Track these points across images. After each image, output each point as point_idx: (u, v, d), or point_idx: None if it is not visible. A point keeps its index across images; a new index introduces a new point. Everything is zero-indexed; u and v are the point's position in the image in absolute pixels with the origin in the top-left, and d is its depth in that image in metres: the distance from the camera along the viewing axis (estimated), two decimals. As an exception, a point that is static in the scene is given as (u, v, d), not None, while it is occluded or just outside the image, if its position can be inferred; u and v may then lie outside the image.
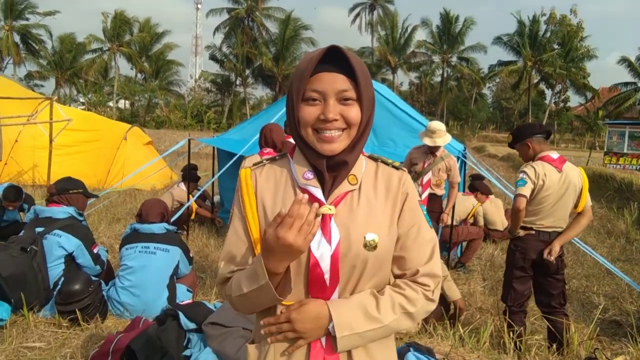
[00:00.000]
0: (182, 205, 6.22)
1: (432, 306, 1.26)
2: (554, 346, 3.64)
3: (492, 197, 7.35)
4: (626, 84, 41.59)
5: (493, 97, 63.71)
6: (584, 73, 42.82)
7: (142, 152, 10.86)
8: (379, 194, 1.27)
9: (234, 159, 5.82)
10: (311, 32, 44.86)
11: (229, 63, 44.37)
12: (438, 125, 5.11)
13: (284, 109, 5.00)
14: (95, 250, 3.65)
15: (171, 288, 3.70)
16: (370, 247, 1.20)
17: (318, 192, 1.22)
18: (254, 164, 1.35)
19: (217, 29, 44.99)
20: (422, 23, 46.50)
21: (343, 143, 1.20)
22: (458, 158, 6.01)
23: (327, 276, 1.18)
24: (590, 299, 5.30)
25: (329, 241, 1.18)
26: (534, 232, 3.63)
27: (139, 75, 48.23)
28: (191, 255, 3.99)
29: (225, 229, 7.05)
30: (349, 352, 1.21)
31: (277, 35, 44.02)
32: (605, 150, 19.12)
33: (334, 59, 1.18)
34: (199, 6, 74.93)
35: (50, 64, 43.82)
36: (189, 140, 6.73)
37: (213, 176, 7.82)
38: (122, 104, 47.96)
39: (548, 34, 43.19)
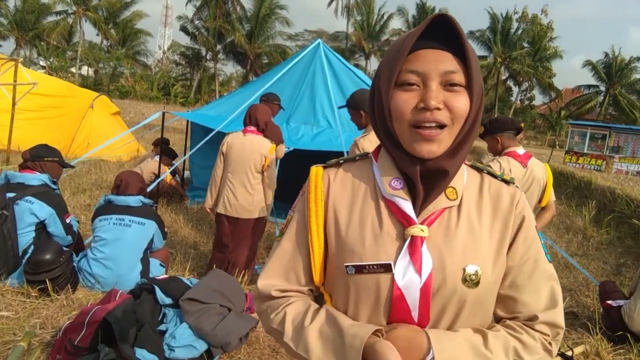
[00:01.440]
0: (157, 177, 6.09)
1: None
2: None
3: None
4: (589, 86, 43.12)
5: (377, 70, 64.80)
6: (550, 73, 44.03)
7: (109, 122, 10.54)
8: (485, 214, 1.00)
9: (211, 134, 5.72)
10: (286, 12, 44.22)
11: (201, 36, 43.30)
12: None
13: (263, 87, 4.99)
14: (67, 220, 3.54)
15: (144, 262, 3.64)
16: (471, 282, 0.94)
17: (407, 206, 0.97)
18: (328, 164, 1.10)
19: (189, 0, 43.74)
20: (398, 11, 46.58)
21: (444, 143, 0.94)
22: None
23: (414, 313, 0.94)
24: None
25: (419, 271, 0.93)
26: None
27: (104, 42, 46.50)
28: (166, 230, 3.92)
29: (193, 207, 6.96)
30: None
31: (252, 12, 43.19)
32: (566, 149, 19.81)
33: (440, 33, 0.93)
34: (171, -25, 72.63)
35: (10, 23, 41.65)
36: (163, 114, 6.56)
37: (185, 151, 7.68)
38: (85, 70, 46.18)
39: (519, 32, 44.06)
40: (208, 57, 46.25)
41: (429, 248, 0.95)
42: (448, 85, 0.93)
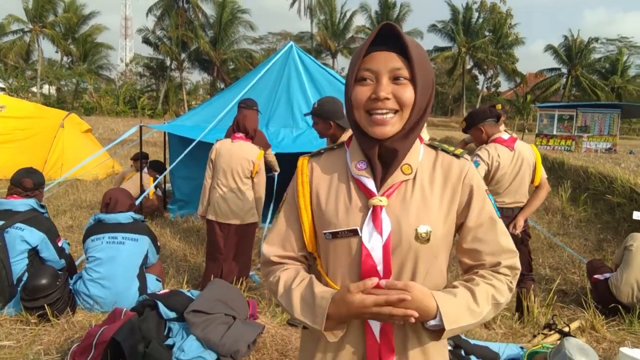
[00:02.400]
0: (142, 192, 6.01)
1: (511, 295, 1.23)
2: (517, 315, 3.89)
3: None
4: (551, 69, 44.24)
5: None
6: (513, 59, 45.01)
7: (81, 140, 10.34)
8: (436, 184, 1.21)
9: (192, 144, 5.68)
10: (249, 15, 44.00)
11: (164, 46, 42.68)
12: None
13: (240, 93, 4.96)
14: (59, 244, 3.46)
15: (141, 278, 3.59)
16: (423, 239, 1.15)
17: (370, 183, 1.19)
18: (312, 154, 1.33)
19: (149, 10, 43.05)
20: (360, 8, 46.90)
21: (395, 126, 1.15)
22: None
23: (379, 267, 1.15)
24: (537, 270, 5.65)
25: (380, 233, 1.15)
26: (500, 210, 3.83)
27: (65, 58, 45.43)
28: (159, 244, 3.88)
29: (178, 220, 6.90)
30: (405, 351, 1.18)
31: (214, 18, 42.83)
32: (536, 132, 20.28)
33: (389, 39, 1.14)
34: (128, -14, 71.42)
35: (-36, 45, 40.39)
36: (141, 127, 6.47)
37: (165, 163, 7.59)
38: (47, 89, 45.04)
39: (480, 21, 44.93)
40: (173, 66, 45.66)
41: (388, 214, 1.16)
42: (395, 79, 1.14)
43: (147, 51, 46.80)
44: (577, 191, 9.36)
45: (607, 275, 4.40)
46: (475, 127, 3.94)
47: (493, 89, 51.54)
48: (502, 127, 6.13)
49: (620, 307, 4.03)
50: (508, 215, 3.83)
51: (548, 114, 19.60)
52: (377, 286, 1.10)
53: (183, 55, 44.18)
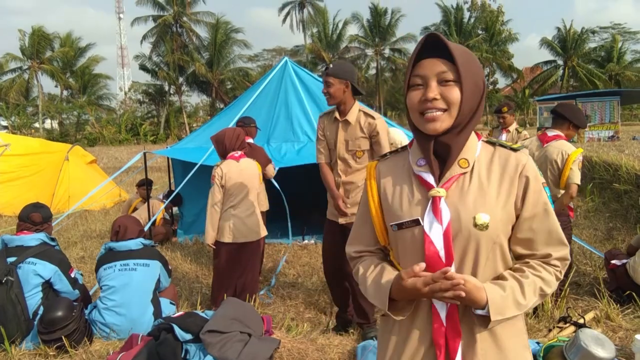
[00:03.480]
0: (162, 219, 6.07)
1: (556, 286, 1.32)
2: (531, 310, 3.89)
3: None
4: (546, 62, 44.25)
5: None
6: (508, 55, 45.06)
7: (86, 171, 10.45)
8: (493, 175, 1.30)
9: (195, 168, 5.74)
10: (243, 34, 44.43)
11: (161, 72, 43.08)
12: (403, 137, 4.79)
13: (239, 112, 5.05)
14: (72, 275, 3.51)
15: (155, 303, 3.63)
16: (482, 227, 1.24)
17: (429, 177, 1.31)
18: (379, 158, 1.50)
19: (144, 37, 43.56)
20: (352, 18, 47.21)
21: (445, 123, 1.27)
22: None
23: (442, 253, 1.25)
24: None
25: (440, 221, 1.26)
26: None
27: (64, 92, 45.95)
28: (170, 268, 3.92)
29: (187, 242, 6.94)
30: (473, 334, 1.26)
31: (209, 40, 43.26)
32: (538, 126, 20.23)
33: (436, 47, 1.28)
34: (121, 16, 72.49)
35: (-35, 87, 40.96)
36: (144, 154, 6.55)
37: (170, 188, 7.66)
38: (49, 124, 45.52)
39: (472, 21, 45.09)
40: (171, 91, 46.05)
41: (447, 204, 1.27)
42: (443, 82, 1.26)
43: (145, 78, 47.28)
44: (583, 181, 9.31)
45: (625, 260, 4.38)
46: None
47: (491, 87, 51.52)
48: (514, 126, 6.22)
49: (635, 294, 4.02)
50: None
51: (547, 106, 19.55)
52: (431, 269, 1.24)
53: (181, 79, 44.56)
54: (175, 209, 7.76)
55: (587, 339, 2.68)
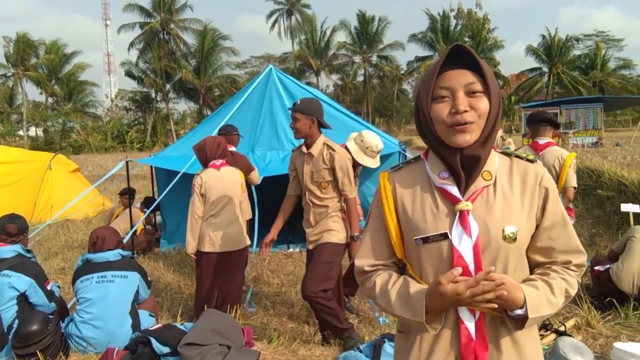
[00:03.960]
0: (142, 228, 5.99)
1: (577, 289, 1.34)
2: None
3: None
4: (532, 69, 44.79)
5: (414, 92, 66.21)
6: (494, 62, 45.53)
7: (69, 180, 10.31)
8: (515, 187, 1.31)
9: (178, 176, 5.69)
10: (230, 41, 44.42)
11: (148, 79, 42.87)
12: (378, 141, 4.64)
13: (223, 120, 4.98)
14: (48, 287, 3.45)
15: (134, 315, 3.57)
16: (510, 239, 1.25)
17: (454, 190, 1.29)
18: (391, 169, 1.44)
19: (131, 44, 43.34)
20: (340, 24, 47.45)
21: (475, 134, 1.25)
22: (399, 153, 6.23)
23: (471, 267, 1.24)
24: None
25: (469, 235, 1.24)
26: None
27: (50, 99, 45.50)
28: (149, 279, 3.86)
29: (171, 252, 6.86)
30: (498, 343, 1.26)
31: (196, 47, 43.16)
32: (523, 132, 20.43)
33: (458, 58, 1.27)
34: (108, 22, 72.08)
35: (-52, 94, 40.37)
36: (127, 162, 6.48)
37: (153, 196, 7.59)
38: (34, 131, 45.00)
39: (458, 28, 45.54)
40: (158, 98, 45.82)
41: (475, 218, 1.26)
42: (471, 93, 1.25)
43: (132, 85, 46.98)
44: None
45: (608, 265, 4.42)
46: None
47: (477, 94, 51.98)
48: (499, 133, 6.29)
49: (615, 301, 4.04)
50: None
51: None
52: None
53: (168, 86, 44.38)
54: (158, 218, 7.68)
55: (566, 347, 2.68)
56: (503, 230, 1.25)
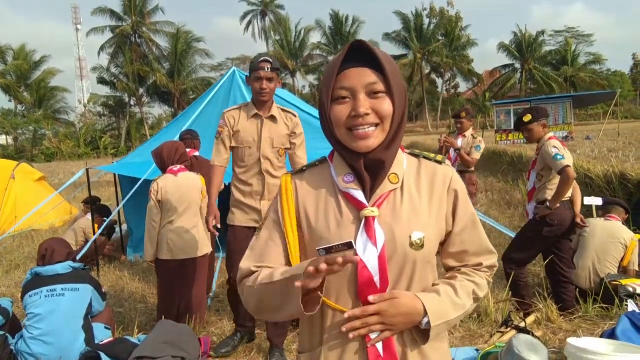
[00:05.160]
0: (87, 240, 5.83)
1: (487, 290, 1.32)
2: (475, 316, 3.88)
3: None
4: (505, 66, 45.51)
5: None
6: (467, 60, 46.12)
7: (34, 189, 10.01)
8: (423, 191, 1.24)
9: (139, 183, 5.55)
10: (204, 43, 44.09)
11: (120, 83, 42.26)
12: None
13: (187, 124, 4.72)
14: (-5, 303, 3.30)
15: (87, 329, 3.44)
16: (417, 246, 1.18)
17: (360, 195, 1.20)
18: (294, 171, 1.33)
19: (101, 48, 42.69)
20: (315, 24, 47.51)
21: (378, 138, 1.17)
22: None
23: (376, 278, 1.16)
24: (500, 267, 5.68)
25: (375, 243, 1.16)
26: (562, 203, 3.91)
27: (19, 106, 44.46)
28: (104, 290, 3.73)
29: (139, 260, 6.71)
30: (404, 345, 1.20)
31: (169, 50, 42.70)
32: (495, 128, 20.71)
33: (360, 55, 1.16)
34: (79, 27, 70.82)
35: None
36: (87, 170, 6.31)
37: (118, 204, 7.41)
38: (4, 139, 43.93)
39: (432, 27, 45.99)
40: (132, 102, 45.19)
41: (381, 224, 1.18)
42: (372, 94, 1.15)
43: (105, 90, 46.23)
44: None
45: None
46: (539, 121, 4.06)
47: (452, 91, 52.61)
48: (470, 131, 6.29)
49: (577, 295, 4.07)
50: (569, 207, 3.97)
51: (504, 109, 20.07)
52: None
53: (141, 90, 43.81)
54: (124, 226, 7.51)
55: (520, 345, 2.67)
56: (410, 237, 1.18)
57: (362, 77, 1.15)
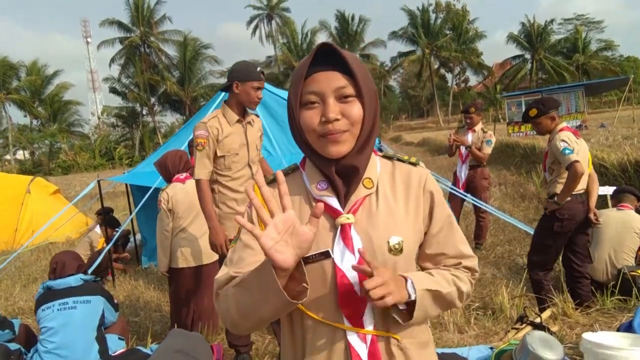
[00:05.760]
0: (99, 252, 5.88)
1: (471, 290, 1.28)
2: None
3: None
4: (515, 57, 45.01)
5: (400, 88, 66.45)
6: (476, 53, 45.72)
7: (49, 203, 10.15)
8: (399, 194, 1.22)
9: (149, 192, 5.59)
10: (212, 50, 44.36)
11: (132, 93, 42.71)
12: None
13: (192, 134, 4.58)
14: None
15: (100, 340, 3.46)
16: (396, 250, 1.15)
17: (334, 202, 1.17)
18: (268, 181, 1.26)
19: (112, 60, 43.18)
20: (320, 26, 47.50)
21: (349, 144, 1.14)
22: (374, 152, 6.17)
23: (357, 287, 1.13)
24: (515, 261, 5.61)
25: (352, 251, 1.13)
26: (574, 196, 3.82)
27: (34, 121, 45.20)
28: (116, 301, 3.75)
29: (153, 269, 6.75)
30: (391, 355, 1.16)
31: (178, 58, 43.04)
32: (507, 121, 20.47)
33: (328, 58, 1.13)
34: (89, 40, 71.67)
35: None
36: (99, 182, 6.37)
37: (130, 214, 7.47)
38: (21, 154, 44.69)
39: (439, 22, 45.68)
40: (144, 112, 45.64)
41: (357, 231, 1.15)
42: (342, 98, 1.12)
43: (117, 101, 46.84)
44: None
45: (582, 256, 4.37)
46: (547, 114, 3.92)
47: (463, 85, 52.19)
48: (479, 125, 6.20)
49: (593, 288, 3.99)
50: (582, 200, 3.84)
51: (515, 101, 19.84)
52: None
53: (152, 99, 44.22)
54: (138, 236, 7.58)
55: (534, 342, 2.61)
56: (388, 242, 1.15)
57: (331, 80, 1.12)
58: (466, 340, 3.40)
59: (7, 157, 41.49)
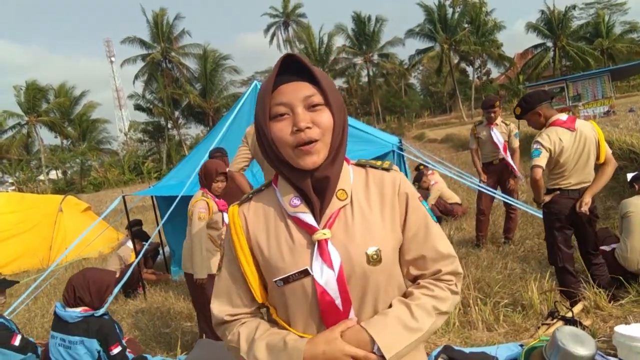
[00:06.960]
0: (129, 267, 6.00)
1: (458, 299, 1.24)
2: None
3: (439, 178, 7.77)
4: (536, 46, 44.09)
5: (421, 85, 65.90)
6: (496, 44, 44.95)
7: (81, 220, 10.40)
8: (373, 202, 1.20)
9: (175, 202, 5.68)
10: (232, 60, 44.88)
11: (156, 108, 43.58)
12: None
13: (214, 141, 4.76)
14: (15, 342, 3.34)
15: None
16: (375, 260, 1.13)
17: (309, 218, 1.16)
18: (240, 201, 1.28)
19: (136, 77, 44.16)
20: (337, 29, 47.50)
21: (322, 153, 1.13)
22: (393, 152, 6.12)
23: (338, 301, 1.13)
24: (544, 255, 5.46)
25: (331, 266, 1.12)
26: (559, 192, 3.76)
27: (65, 141, 46.52)
28: (118, 330, 3.49)
29: (181, 281, 6.85)
30: None
31: (199, 71, 43.70)
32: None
33: (293, 69, 1.14)
34: (113, 59, 73.35)
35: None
36: (124, 197, 6.51)
37: (157, 226, 7.60)
38: (55, 174, 46.04)
39: (456, 16, 45.11)
40: (169, 125, 46.45)
41: (335, 245, 1.14)
42: (311, 107, 1.12)
43: (143, 117, 47.81)
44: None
45: (614, 245, 4.24)
46: (532, 111, 3.83)
47: (484, 78, 51.41)
48: (499, 119, 6.06)
49: (622, 279, 3.86)
50: (574, 197, 3.75)
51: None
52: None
53: (177, 113, 44.98)
54: (167, 249, 7.70)
55: (564, 337, 2.55)
56: (366, 253, 1.13)
57: (298, 90, 1.12)
58: (495, 338, 3.34)
59: (41, 177, 42.75)
